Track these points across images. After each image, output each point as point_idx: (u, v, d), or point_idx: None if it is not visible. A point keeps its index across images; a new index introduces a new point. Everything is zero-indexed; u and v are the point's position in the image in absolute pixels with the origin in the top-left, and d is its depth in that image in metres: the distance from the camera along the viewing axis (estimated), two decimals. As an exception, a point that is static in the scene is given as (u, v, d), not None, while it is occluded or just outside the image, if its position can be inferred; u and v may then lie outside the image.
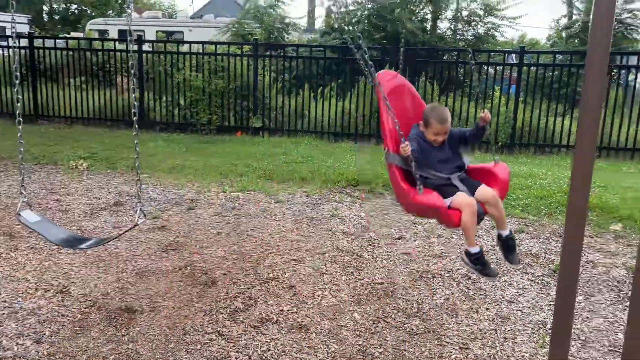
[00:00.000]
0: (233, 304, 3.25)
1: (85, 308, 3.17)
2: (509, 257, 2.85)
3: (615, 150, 8.57)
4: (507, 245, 2.81)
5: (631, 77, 9.74)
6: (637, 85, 9.36)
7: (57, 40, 11.30)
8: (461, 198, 2.59)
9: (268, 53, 10.49)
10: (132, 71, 2.85)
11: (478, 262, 2.70)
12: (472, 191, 2.65)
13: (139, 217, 2.84)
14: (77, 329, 2.95)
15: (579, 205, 2.37)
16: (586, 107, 2.16)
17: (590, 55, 2.09)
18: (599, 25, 2.02)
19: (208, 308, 3.19)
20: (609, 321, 3.17)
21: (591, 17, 2.03)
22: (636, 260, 1.70)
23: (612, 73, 10.15)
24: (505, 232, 2.79)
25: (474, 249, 2.69)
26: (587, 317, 3.22)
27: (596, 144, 2.32)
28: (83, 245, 2.97)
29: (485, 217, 2.76)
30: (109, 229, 4.50)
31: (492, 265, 2.80)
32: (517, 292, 3.55)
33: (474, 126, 2.80)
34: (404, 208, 2.87)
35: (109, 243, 3.89)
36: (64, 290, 3.37)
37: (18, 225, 4.04)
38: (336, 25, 15.06)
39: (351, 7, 14.54)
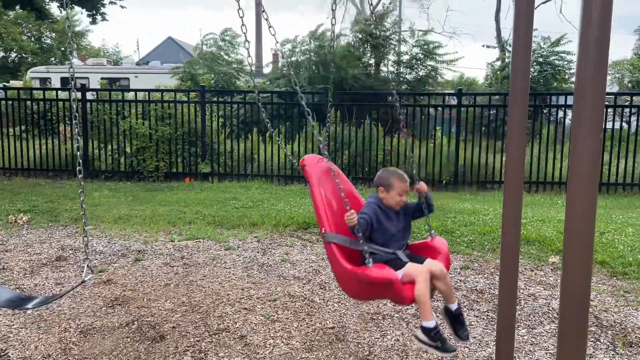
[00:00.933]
0: (183, 358, 3.18)
1: (24, 373, 3.02)
2: (458, 332, 2.62)
3: (550, 184, 9.06)
4: (457, 320, 2.62)
5: (561, 114, 10.43)
6: (567, 122, 10.01)
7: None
8: (413, 268, 2.46)
9: (215, 99, 10.57)
10: (75, 121, 2.84)
11: (438, 336, 2.42)
12: None
13: (86, 273, 2.76)
14: (16, 396, 2.80)
15: (512, 219, 2.52)
16: (512, 130, 2.34)
17: (513, 81, 2.28)
18: (518, 51, 2.23)
19: (156, 364, 3.11)
20: (550, 353, 3.29)
21: (512, 45, 2.26)
22: (560, 295, 1.82)
23: (545, 112, 10.82)
24: (454, 306, 2.61)
25: (431, 323, 2.42)
26: (530, 350, 3.34)
27: (523, 172, 2.51)
28: (29, 305, 2.85)
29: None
30: (51, 286, 4.33)
31: (447, 340, 2.53)
32: (464, 328, 3.64)
33: (418, 198, 2.73)
34: (350, 291, 2.65)
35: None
36: (2, 354, 3.21)
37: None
38: (285, 70, 15.39)
39: (298, 54, 14.93)
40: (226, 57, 16.00)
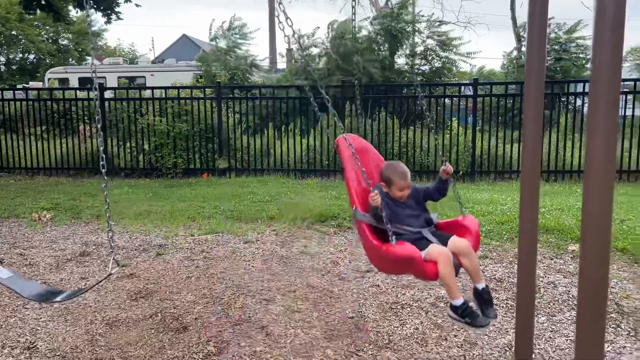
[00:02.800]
0: (205, 348, 3.25)
1: (54, 363, 3.11)
2: (485, 312, 2.64)
3: (569, 172, 8.97)
4: (484, 299, 2.64)
5: (579, 102, 10.29)
6: (585, 110, 9.88)
7: (16, 91, 11.22)
8: (434, 248, 2.52)
9: (231, 95, 10.66)
10: (98, 117, 2.89)
11: (466, 314, 2.53)
12: (444, 243, 2.59)
13: (112, 266, 2.82)
14: (46, 385, 2.89)
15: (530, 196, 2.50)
16: (528, 111, 2.32)
17: (528, 70, 2.27)
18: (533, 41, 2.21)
19: (180, 354, 3.18)
20: (570, 339, 3.29)
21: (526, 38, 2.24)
22: (578, 280, 1.83)
23: (562, 100, 10.69)
24: (481, 285, 2.65)
25: (458, 301, 2.52)
26: (550, 337, 3.35)
27: (540, 159, 2.50)
28: (58, 298, 2.94)
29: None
30: (77, 280, 4.44)
31: (479, 315, 2.59)
32: (484, 317, 3.66)
33: (437, 179, 2.78)
34: (378, 265, 2.77)
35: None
36: (32, 346, 3.31)
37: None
38: (303, 65, 15.37)
39: (314, 50, 14.94)
40: (238, 50, 16.06)
